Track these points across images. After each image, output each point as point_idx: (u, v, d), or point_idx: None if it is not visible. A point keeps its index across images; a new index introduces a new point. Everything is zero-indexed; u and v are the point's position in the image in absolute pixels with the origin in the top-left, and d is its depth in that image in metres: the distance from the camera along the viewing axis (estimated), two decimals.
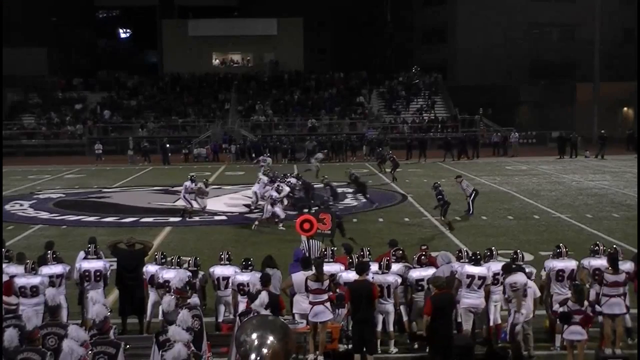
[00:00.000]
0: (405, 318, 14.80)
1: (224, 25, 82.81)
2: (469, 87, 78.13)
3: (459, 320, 14.07)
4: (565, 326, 12.99)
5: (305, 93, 74.54)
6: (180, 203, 30.92)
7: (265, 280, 13.68)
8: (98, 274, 15.49)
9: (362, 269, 13.84)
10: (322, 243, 18.20)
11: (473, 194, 29.72)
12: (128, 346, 10.52)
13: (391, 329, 14.45)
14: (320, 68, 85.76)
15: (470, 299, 14.13)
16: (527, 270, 14.64)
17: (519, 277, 13.90)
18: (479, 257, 14.47)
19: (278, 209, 27.40)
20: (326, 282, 13.90)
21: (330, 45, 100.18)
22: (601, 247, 15.34)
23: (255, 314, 11.67)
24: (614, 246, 15.72)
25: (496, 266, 14.63)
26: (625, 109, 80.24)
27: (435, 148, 59.97)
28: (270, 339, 7.28)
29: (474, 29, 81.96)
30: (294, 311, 14.52)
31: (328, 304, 13.88)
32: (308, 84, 76.32)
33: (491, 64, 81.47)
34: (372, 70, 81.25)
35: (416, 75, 79.30)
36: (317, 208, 26.47)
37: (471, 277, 14.09)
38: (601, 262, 14.76)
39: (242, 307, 13.89)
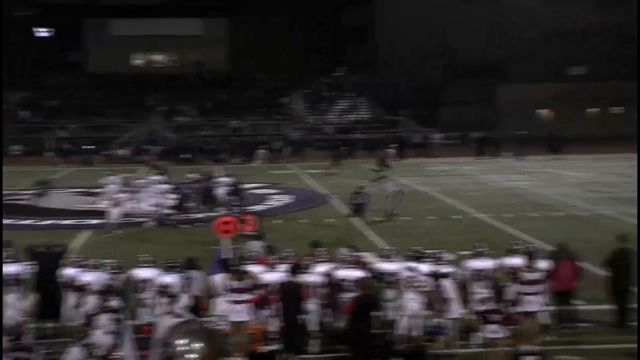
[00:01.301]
0: (328, 319, 14.88)
1: (148, 25, 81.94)
2: (393, 87, 78.80)
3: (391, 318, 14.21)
4: (485, 324, 13.22)
5: (230, 94, 74.25)
6: (105, 204, 30.29)
7: (189, 282, 13.60)
8: (14, 278, 15.14)
9: (296, 270, 13.89)
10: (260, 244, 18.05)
11: (397, 195, 29.87)
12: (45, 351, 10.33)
13: (314, 328, 14.50)
14: (245, 69, 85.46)
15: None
16: (447, 270, 14.89)
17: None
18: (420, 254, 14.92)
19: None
20: (246, 282, 13.87)
21: (256, 45, 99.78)
22: (519, 247, 15.67)
23: (179, 316, 11.58)
24: (532, 245, 16.04)
25: (423, 265, 14.92)
26: (544, 110, 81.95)
27: (360, 148, 60.32)
28: (199, 345, 7.23)
29: (399, 30, 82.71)
30: (214, 313, 14.46)
31: (248, 305, 13.86)
32: (233, 85, 76.04)
33: (415, 65, 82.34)
34: (297, 71, 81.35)
35: (341, 76, 79.70)
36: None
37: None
38: (518, 261, 15.07)
39: (163, 309, 13.76)
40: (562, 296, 15.75)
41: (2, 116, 63.96)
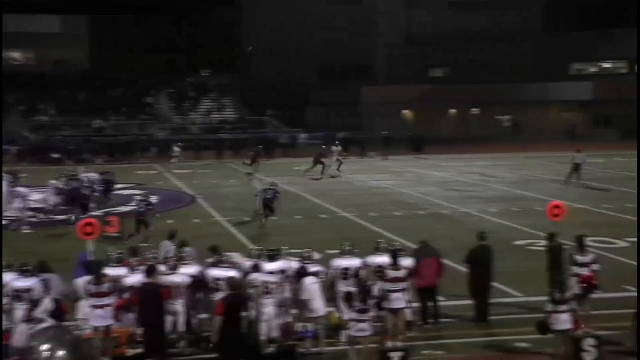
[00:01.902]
0: (196, 319, 14.75)
1: (5, 21, 78.93)
2: (258, 88, 78.86)
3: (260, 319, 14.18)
4: (352, 323, 13.38)
5: (92, 93, 72.52)
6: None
7: (46, 286, 13.19)
8: None
9: (150, 271, 13.68)
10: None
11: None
12: None
13: (182, 329, 14.32)
14: (108, 67, 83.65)
15: (274, 295, 14.48)
16: (315, 269, 14.99)
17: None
18: (274, 253, 14.99)
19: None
20: (107, 286, 13.56)
21: (118, 44, 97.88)
22: (383, 245, 15.94)
23: (40, 322, 11.19)
24: (396, 243, 16.32)
25: (288, 265, 14.96)
26: (407, 111, 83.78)
27: (226, 149, 59.99)
28: (61, 352, 7.00)
29: (264, 31, 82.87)
30: (78, 316, 14.07)
31: (110, 309, 13.56)
32: (95, 84, 74.30)
33: (281, 66, 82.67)
34: (162, 71, 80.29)
35: (206, 76, 79.19)
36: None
37: (271, 273, 14.54)
38: (383, 259, 15.31)
39: (21, 314, 13.26)
40: (426, 293, 16.11)
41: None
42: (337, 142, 47.91)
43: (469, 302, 16.58)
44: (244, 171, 44.84)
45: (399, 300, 14.50)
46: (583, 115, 79.77)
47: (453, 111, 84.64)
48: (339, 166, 45.51)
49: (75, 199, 29.37)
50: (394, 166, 50.44)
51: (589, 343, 13.82)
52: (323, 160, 44.61)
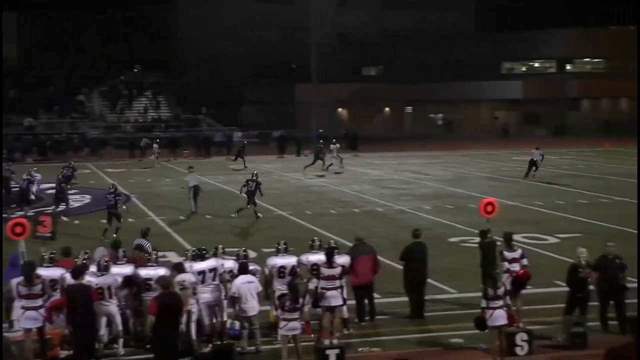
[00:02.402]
0: (131, 319, 14.62)
1: None
2: (193, 86, 78.37)
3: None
4: (283, 322, 13.41)
5: (22, 91, 71.16)
6: None
7: None
8: None
9: (77, 272, 13.53)
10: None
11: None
12: None
13: (119, 328, 14.18)
14: (38, 65, 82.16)
15: (205, 294, 14.45)
16: (251, 267, 14.99)
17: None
18: (204, 252, 14.91)
19: None
20: (39, 287, 13.37)
21: (49, 41, 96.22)
22: (317, 243, 15.99)
23: None
24: (331, 241, 16.38)
25: (228, 263, 14.96)
26: (341, 109, 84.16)
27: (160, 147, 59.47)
28: None
29: (198, 28, 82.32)
30: (12, 317, 13.84)
31: (42, 310, 13.37)
32: (25, 82, 72.92)
33: (216, 64, 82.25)
34: (94, 68, 79.19)
35: (139, 74, 78.35)
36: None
37: (202, 272, 14.48)
38: (318, 257, 15.36)
39: None
40: (361, 290, 16.21)
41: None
42: (333, 140, 48.23)
43: (404, 298, 16.74)
44: (231, 167, 45.10)
45: (335, 298, 14.55)
46: (514, 113, 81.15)
47: (387, 110, 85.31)
48: (341, 161, 46.58)
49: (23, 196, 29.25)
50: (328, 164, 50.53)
51: (521, 337, 14.10)
52: (322, 155, 46.24)
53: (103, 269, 14.22)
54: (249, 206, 28.79)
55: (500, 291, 13.71)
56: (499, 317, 13.49)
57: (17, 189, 31.37)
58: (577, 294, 15.23)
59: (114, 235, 22.77)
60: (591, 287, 15.41)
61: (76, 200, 33.21)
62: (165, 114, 71.35)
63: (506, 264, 15.69)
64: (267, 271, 15.30)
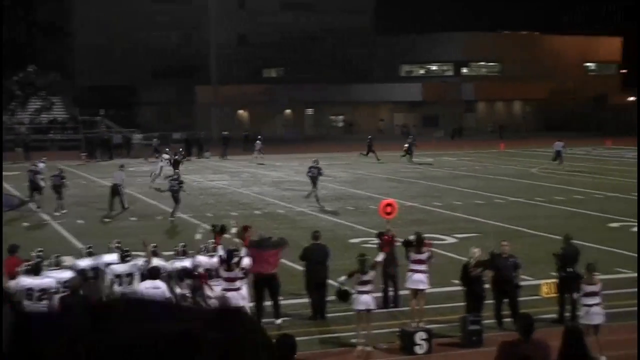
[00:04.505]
0: None
1: None
2: (90, 87, 76.92)
3: None
4: None
5: None
6: None
7: None
8: None
9: None
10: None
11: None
12: None
13: None
14: None
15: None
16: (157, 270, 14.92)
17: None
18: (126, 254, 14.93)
19: None
20: None
21: None
22: (181, 248, 15.94)
23: None
24: (233, 244, 16.34)
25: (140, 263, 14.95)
26: (242, 111, 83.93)
27: (56, 149, 58.26)
28: None
29: (94, 28, 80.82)
30: None
31: None
32: None
33: (113, 64, 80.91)
34: None
35: (33, 74, 76.37)
36: None
37: (119, 275, 14.54)
38: (216, 260, 15.40)
39: None
40: (262, 285, 16.29)
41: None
42: (259, 137, 49.36)
43: (305, 299, 16.83)
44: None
45: (237, 299, 14.56)
46: (413, 115, 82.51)
47: (288, 111, 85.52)
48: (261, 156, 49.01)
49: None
50: (229, 166, 50.44)
51: (420, 337, 14.36)
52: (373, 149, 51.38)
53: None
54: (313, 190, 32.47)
55: (369, 276, 14.11)
56: (363, 301, 13.93)
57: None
58: (471, 291, 15.69)
59: None
60: (487, 286, 15.84)
61: None
62: (62, 115, 69.78)
63: (411, 264, 16.00)
64: (165, 274, 15.18)
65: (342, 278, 15.00)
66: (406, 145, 51.49)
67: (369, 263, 14.63)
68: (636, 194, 34.26)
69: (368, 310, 14.32)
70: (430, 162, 51.27)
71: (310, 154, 57.59)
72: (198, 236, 16.68)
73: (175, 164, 40.23)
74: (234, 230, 16.55)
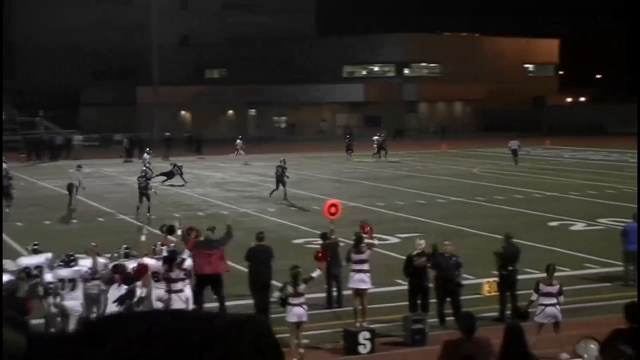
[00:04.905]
0: None
1: None
2: (28, 88, 75.71)
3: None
4: None
5: None
6: None
7: None
8: None
9: None
10: None
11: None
12: None
13: None
14: None
15: (68, 301, 14.31)
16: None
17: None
18: (71, 259, 14.75)
19: None
20: None
21: None
22: (123, 251, 15.88)
23: None
24: (172, 245, 16.29)
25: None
26: (184, 112, 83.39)
27: None
28: None
29: (35, 27, 79.64)
30: None
31: None
32: None
33: (53, 65, 79.79)
34: None
35: None
36: None
37: (62, 280, 14.31)
38: (153, 261, 15.39)
39: None
40: (204, 283, 16.30)
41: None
42: (239, 136, 49.14)
43: (249, 301, 16.83)
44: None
45: (177, 302, 14.54)
46: (355, 116, 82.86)
47: (230, 112, 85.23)
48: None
49: None
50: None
51: (364, 336, 14.46)
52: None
53: None
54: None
55: (301, 288, 14.18)
56: (296, 313, 13.99)
57: None
58: (414, 283, 15.88)
59: None
60: (430, 285, 16.02)
61: None
62: None
63: (353, 265, 16.12)
64: (104, 274, 15.05)
65: (277, 294, 15.08)
66: (375, 145, 53.44)
67: (301, 276, 14.60)
68: (575, 193, 35.00)
69: (300, 323, 14.36)
70: (397, 160, 51.81)
71: (254, 154, 57.61)
72: (143, 238, 16.63)
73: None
74: (179, 232, 16.54)
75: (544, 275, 14.75)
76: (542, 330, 13.94)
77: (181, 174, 40.96)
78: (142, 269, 14.72)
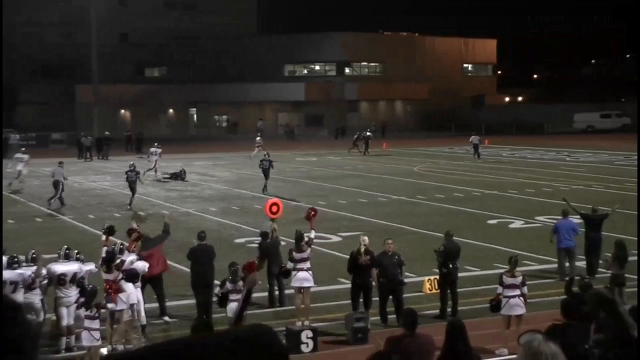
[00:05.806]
0: None
1: None
2: None
3: None
4: (81, 329, 13.30)
5: None
6: None
7: None
8: None
9: None
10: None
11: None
12: None
13: None
14: None
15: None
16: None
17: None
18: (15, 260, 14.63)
19: None
20: None
21: None
22: (64, 252, 15.72)
23: None
24: (113, 246, 16.15)
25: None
26: (124, 110, 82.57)
27: None
28: None
29: None
30: None
31: None
32: None
33: None
34: None
35: None
36: None
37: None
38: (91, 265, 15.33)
39: None
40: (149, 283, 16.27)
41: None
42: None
43: (191, 300, 16.76)
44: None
45: (121, 303, 14.42)
46: (297, 115, 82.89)
47: (171, 111, 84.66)
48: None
49: None
50: (112, 167, 49.59)
51: (306, 335, 14.51)
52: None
53: None
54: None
55: (239, 285, 14.19)
56: (232, 309, 14.09)
57: None
58: (357, 281, 15.98)
59: None
60: (374, 284, 16.13)
61: None
62: None
63: (295, 264, 16.15)
64: (49, 276, 14.83)
65: (217, 289, 15.07)
66: (362, 140, 56.43)
67: (239, 273, 14.59)
68: (513, 191, 35.55)
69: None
70: (339, 159, 51.80)
71: (195, 153, 57.37)
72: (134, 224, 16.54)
73: None
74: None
75: (507, 267, 15.05)
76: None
77: (183, 179, 41.66)
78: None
